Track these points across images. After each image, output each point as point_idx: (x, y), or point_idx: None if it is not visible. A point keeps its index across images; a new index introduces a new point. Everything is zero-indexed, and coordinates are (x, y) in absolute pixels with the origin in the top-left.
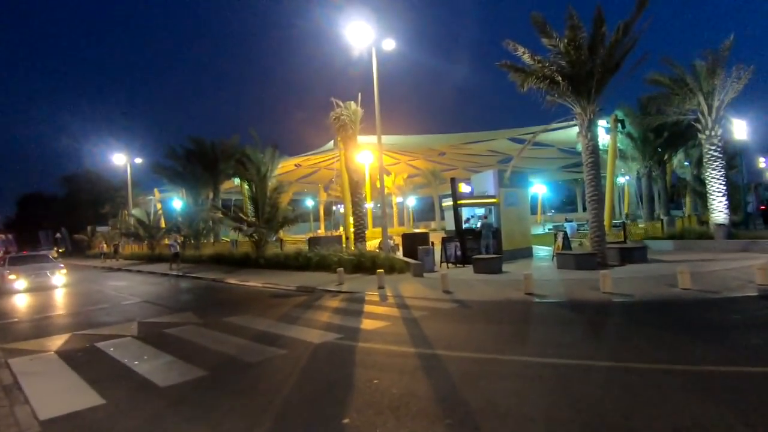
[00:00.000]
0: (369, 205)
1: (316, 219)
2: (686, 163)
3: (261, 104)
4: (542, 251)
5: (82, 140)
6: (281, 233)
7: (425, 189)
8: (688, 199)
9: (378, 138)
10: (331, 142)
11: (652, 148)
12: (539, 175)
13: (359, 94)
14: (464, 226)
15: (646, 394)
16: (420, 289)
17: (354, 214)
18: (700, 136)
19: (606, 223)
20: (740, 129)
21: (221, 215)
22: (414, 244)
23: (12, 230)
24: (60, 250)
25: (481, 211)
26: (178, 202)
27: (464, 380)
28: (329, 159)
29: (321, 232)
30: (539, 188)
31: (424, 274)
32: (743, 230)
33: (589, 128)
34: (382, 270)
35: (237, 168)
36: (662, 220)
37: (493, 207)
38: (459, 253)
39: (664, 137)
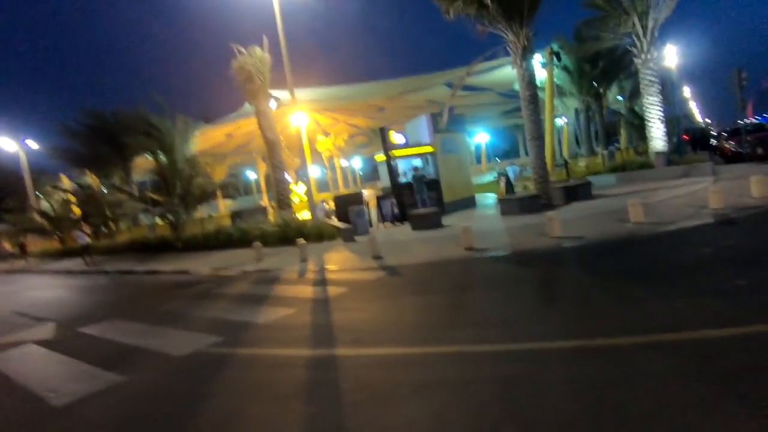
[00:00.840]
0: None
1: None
2: (620, 98)
3: (170, 69)
4: (487, 199)
5: None
6: (224, 210)
7: (368, 148)
8: (623, 132)
9: (289, 85)
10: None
11: (588, 81)
12: (481, 123)
13: (264, 38)
14: (402, 180)
15: (641, 399)
16: (347, 257)
17: (274, 178)
18: (636, 61)
19: (548, 162)
20: (672, 55)
21: (122, 196)
22: (347, 206)
23: None
24: None
25: (420, 163)
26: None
27: (364, 403)
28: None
29: (264, 203)
30: (482, 137)
31: (357, 238)
32: (677, 157)
33: (524, 57)
34: (303, 240)
35: (144, 141)
36: (602, 154)
37: (429, 156)
38: (396, 210)
39: (600, 67)
